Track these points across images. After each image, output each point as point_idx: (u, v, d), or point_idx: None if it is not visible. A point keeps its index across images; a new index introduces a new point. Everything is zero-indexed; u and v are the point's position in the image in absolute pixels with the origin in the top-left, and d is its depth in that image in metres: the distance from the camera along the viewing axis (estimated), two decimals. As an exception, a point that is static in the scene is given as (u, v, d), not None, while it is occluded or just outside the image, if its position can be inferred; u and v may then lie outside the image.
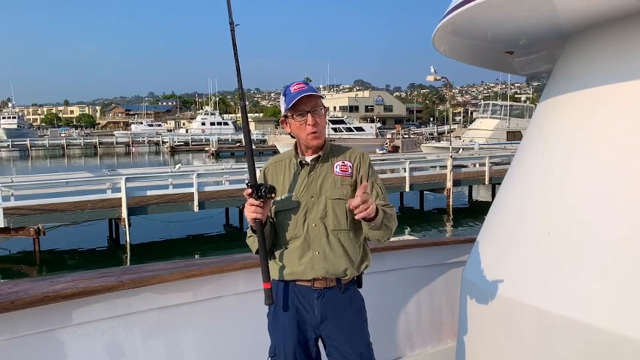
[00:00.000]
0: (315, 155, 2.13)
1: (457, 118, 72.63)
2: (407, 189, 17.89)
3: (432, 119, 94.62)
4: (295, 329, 2.10)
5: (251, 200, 1.97)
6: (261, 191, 1.95)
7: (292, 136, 2.17)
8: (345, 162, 2.13)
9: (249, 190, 1.97)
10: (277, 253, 2.15)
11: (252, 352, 2.69)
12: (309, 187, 2.10)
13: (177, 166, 19.38)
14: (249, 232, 2.14)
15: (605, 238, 2.17)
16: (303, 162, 2.13)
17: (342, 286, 2.11)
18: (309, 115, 2.05)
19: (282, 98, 2.12)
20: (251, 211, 1.97)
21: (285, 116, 2.11)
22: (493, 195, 18.88)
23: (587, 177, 2.33)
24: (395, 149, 36.27)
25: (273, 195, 1.97)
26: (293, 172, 2.15)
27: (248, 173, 2.07)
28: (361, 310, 2.18)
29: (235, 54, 2.02)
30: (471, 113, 66.58)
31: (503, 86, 63.22)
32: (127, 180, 13.29)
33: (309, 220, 2.08)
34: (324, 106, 2.12)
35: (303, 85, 2.08)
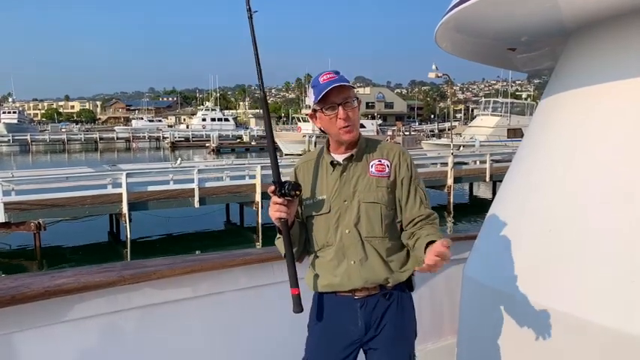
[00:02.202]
0: (347, 154, 1.93)
1: (458, 115, 72.59)
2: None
3: (432, 116, 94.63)
4: (334, 344, 1.94)
5: (274, 198, 1.80)
6: (285, 188, 1.79)
7: (323, 131, 1.96)
8: (382, 160, 1.92)
9: (273, 187, 1.80)
10: (311, 262, 1.99)
11: (252, 348, 2.70)
12: (342, 190, 1.90)
13: (178, 162, 19.38)
14: (278, 234, 1.93)
15: (606, 236, 2.17)
16: (335, 162, 1.93)
17: (387, 292, 1.92)
18: (340, 108, 1.84)
19: (310, 90, 1.91)
20: (274, 210, 1.80)
21: (314, 110, 1.90)
22: (494, 192, 18.87)
23: (588, 174, 2.33)
24: (395, 146, 36.16)
25: (297, 192, 1.81)
26: (325, 172, 1.95)
27: (271, 169, 1.90)
28: (409, 317, 1.98)
29: (254, 42, 1.86)
30: (472, 110, 66.53)
31: (504, 83, 63.17)
32: (128, 175, 13.28)
33: (342, 226, 1.89)
34: (357, 98, 1.91)
35: (333, 74, 1.86)
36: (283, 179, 1.86)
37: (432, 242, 1.75)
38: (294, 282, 1.86)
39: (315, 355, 1.99)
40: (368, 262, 1.89)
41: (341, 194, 1.91)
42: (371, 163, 1.92)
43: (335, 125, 1.87)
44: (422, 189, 1.96)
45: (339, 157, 1.94)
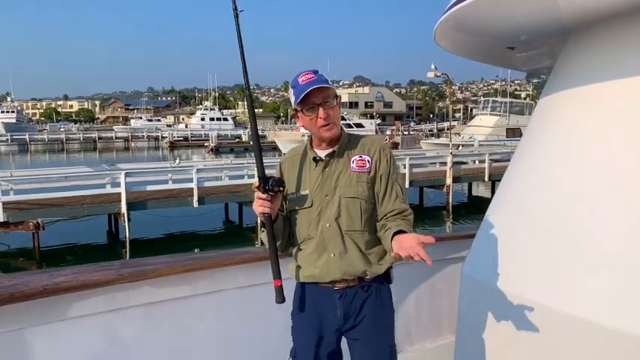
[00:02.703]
0: (329, 150, 1.99)
1: (457, 115, 72.61)
2: (407, 185, 17.93)
3: (431, 116, 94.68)
4: (316, 331, 2.02)
5: (258, 194, 1.89)
6: (269, 184, 1.87)
7: (305, 129, 2.05)
8: (363, 156, 1.98)
9: (257, 183, 1.88)
10: (295, 254, 2.07)
11: (250, 346, 2.70)
12: (324, 185, 1.97)
13: (177, 161, 19.36)
14: (263, 227, 2.04)
15: (604, 235, 2.17)
16: (317, 158, 2.00)
17: (366, 284, 1.99)
18: (320, 108, 1.91)
19: (290, 90, 1.97)
20: (258, 205, 1.89)
21: (296, 110, 1.98)
22: (492, 192, 18.89)
23: (587, 173, 2.33)
24: (395, 146, 36.26)
25: (280, 188, 1.89)
26: (308, 168, 2.03)
27: (256, 166, 1.99)
28: (387, 309, 2.06)
29: (240, 41, 1.93)
30: (471, 110, 66.55)
31: (503, 83, 63.22)
32: (127, 175, 13.28)
33: (323, 220, 1.96)
34: (337, 96, 1.97)
35: (312, 75, 1.91)
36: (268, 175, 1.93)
37: (400, 232, 1.84)
38: (277, 274, 1.95)
39: (301, 342, 2.06)
40: (347, 255, 1.96)
41: (323, 189, 1.98)
42: (352, 159, 1.98)
43: (316, 124, 1.94)
44: (399, 184, 2.02)
45: (322, 153, 2.01)
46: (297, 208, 2.01)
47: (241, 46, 1.94)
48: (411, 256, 1.72)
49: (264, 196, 1.88)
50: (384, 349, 2.04)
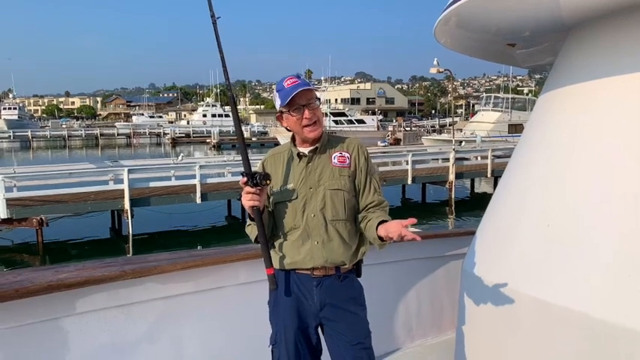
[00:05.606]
0: (312, 147, 2.14)
1: (459, 111, 72.41)
2: (409, 181, 17.89)
3: (433, 112, 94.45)
4: (296, 317, 2.12)
5: (247, 188, 2.00)
6: (256, 178, 1.98)
7: (289, 130, 2.19)
8: (343, 153, 2.15)
9: (245, 179, 2.00)
10: (277, 243, 2.17)
11: (252, 342, 2.72)
12: (308, 179, 2.11)
13: (180, 158, 19.38)
14: (248, 221, 2.17)
15: (603, 231, 2.19)
16: (301, 154, 2.15)
17: (341, 274, 2.13)
18: (305, 109, 2.06)
19: (275, 94, 2.13)
20: (248, 199, 2.00)
21: (281, 112, 2.12)
22: (495, 188, 18.83)
23: (586, 170, 2.34)
24: (396, 142, 36.23)
25: (267, 182, 2.00)
26: (291, 163, 2.16)
27: (242, 163, 2.10)
28: (360, 299, 2.20)
29: (219, 46, 2.06)
30: (473, 106, 66.36)
31: (506, 79, 63.00)
32: (130, 171, 13.29)
33: (308, 211, 2.09)
34: (319, 98, 2.14)
35: (296, 79, 2.08)
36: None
37: (382, 222, 2.01)
38: (269, 263, 2.08)
39: (284, 327, 2.14)
40: (330, 244, 2.10)
41: (307, 182, 2.12)
42: (333, 155, 2.15)
43: (301, 125, 2.09)
44: (376, 179, 2.19)
45: (305, 150, 2.16)
46: (282, 200, 2.13)
47: (221, 51, 2.06)
48: (401, 236, 1.88)
49: (252, 190, 1.99)
50: (362, 333, 2.14)
